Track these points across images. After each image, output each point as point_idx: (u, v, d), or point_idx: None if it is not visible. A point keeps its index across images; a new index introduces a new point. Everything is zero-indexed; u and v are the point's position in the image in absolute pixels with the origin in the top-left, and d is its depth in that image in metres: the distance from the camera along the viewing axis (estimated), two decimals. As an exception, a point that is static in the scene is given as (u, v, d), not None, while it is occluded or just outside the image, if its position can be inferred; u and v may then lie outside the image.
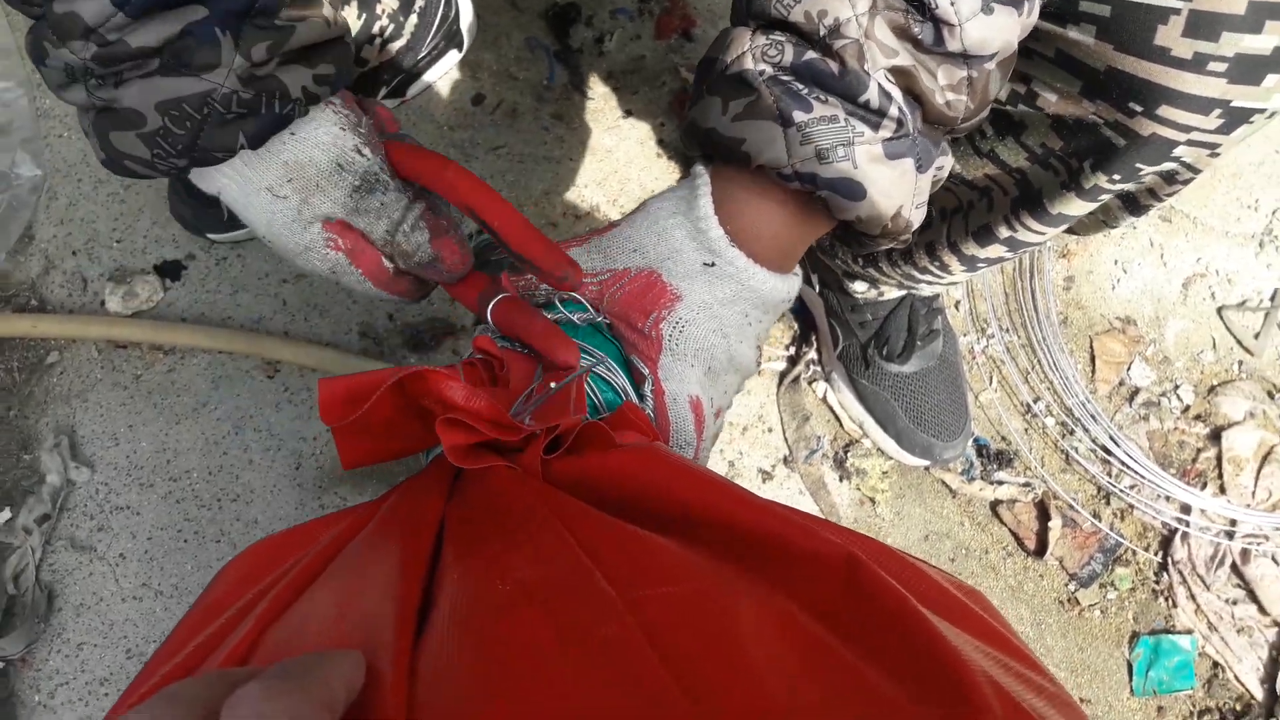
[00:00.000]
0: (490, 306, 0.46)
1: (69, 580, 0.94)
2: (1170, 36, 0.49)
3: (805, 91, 0.43)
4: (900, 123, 0.43)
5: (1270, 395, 1.07)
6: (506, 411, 0.42)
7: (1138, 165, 0.56)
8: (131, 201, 0.99)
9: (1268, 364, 1.08)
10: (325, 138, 0.45)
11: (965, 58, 0.42)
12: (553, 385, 0.44)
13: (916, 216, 0.47)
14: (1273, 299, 1.09)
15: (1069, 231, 0.70)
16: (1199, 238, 1.10)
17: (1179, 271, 1.10)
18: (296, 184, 0.45)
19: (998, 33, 0.42)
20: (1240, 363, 1.08)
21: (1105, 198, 0.61)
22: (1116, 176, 0.58)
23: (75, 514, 0.95)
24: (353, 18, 0.83)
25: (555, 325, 0.47)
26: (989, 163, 0.66)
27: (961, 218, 0.72)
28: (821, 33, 0.42)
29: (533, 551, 0.36)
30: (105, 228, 0.99)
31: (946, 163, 0.48)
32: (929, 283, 0.83)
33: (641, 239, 0.48)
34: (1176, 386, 1.07)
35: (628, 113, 1.06)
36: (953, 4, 0.40)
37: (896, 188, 0.45)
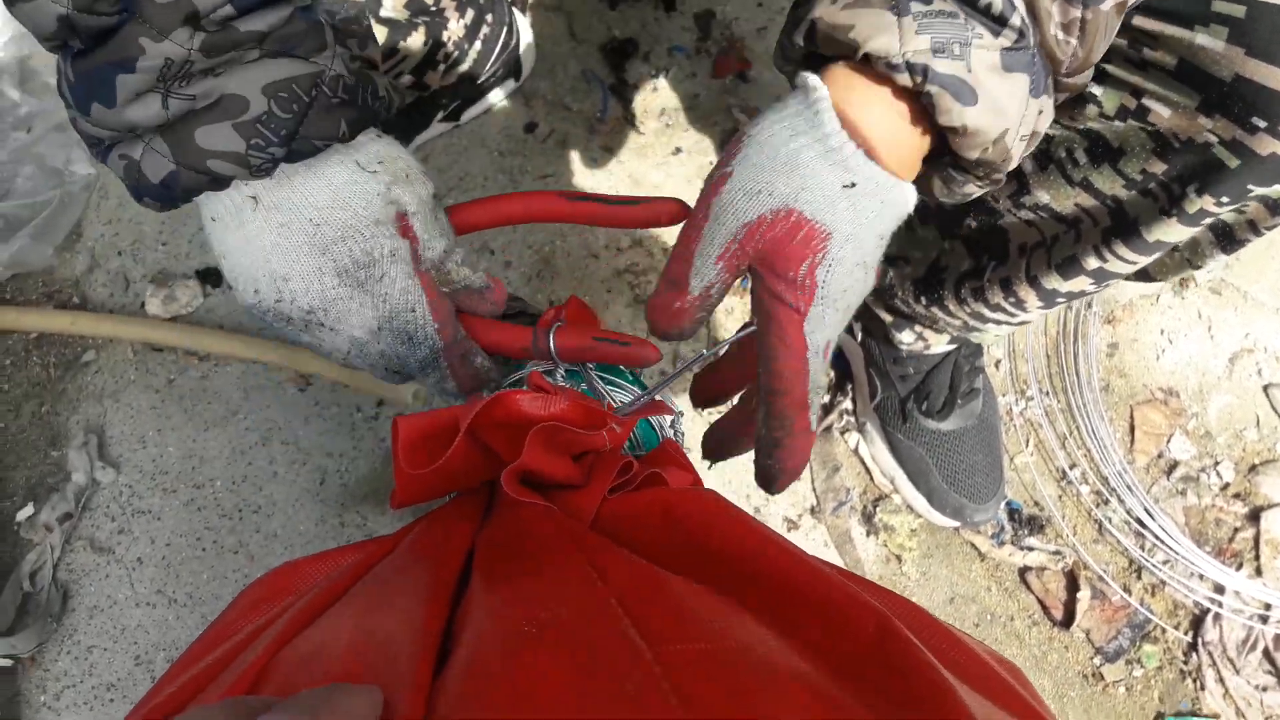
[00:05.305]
0: (552, 333, 0.45)
1: (85, 581, 0.94)
2: None
3: None
4: (1022, 34, 0.40)
5: (1314, 479, 1.04)
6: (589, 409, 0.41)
7: (1249, 186, 0.53)
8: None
9: (1313, 446, 1.06)
10: (404, 148, 0.46)
11: None
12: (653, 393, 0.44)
13: (1017, 151, 0.43)
14: (1321, 380, 1.07)
15: (1142, 276, 0.67)
16: (1249, 312, 1.08)
17: (1226, 346, 1.08)
18: (388, 166, 0.45)
19: None
20: (1284, 443, 1.06)
21: (1208, 221, 0.58)
22: (1225, 199, 0.54)
23: (97, 514, 0.95)
24: (418, 43, 0.84)
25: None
26: (1081, 191, 0.62)
27: (1044, 251, 0.68)
28: None
29: (557, 592, 0.35)
30: (152, 230, 0.99)
31: (1049, 108, 0.44)
32: (997, 322, 0.78)
33: (765, 178, 0.43)
34: (1217, 463, 1.05)
35: (677, 150, 1.06)
36: None
37: (1009, 103, 0.41)
